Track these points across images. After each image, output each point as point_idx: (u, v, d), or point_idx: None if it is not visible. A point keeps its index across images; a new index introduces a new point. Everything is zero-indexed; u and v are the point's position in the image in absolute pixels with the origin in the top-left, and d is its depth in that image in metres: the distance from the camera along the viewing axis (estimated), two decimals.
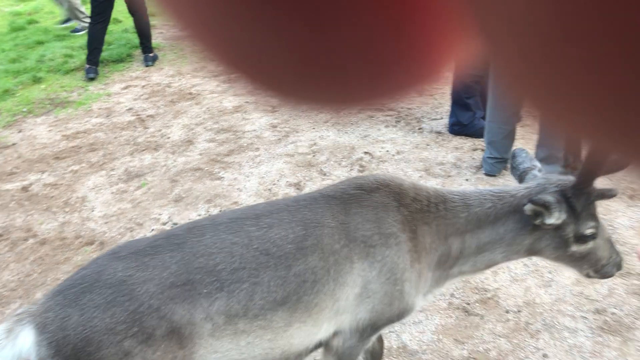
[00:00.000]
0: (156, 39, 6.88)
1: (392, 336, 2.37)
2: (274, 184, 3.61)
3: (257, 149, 4.14)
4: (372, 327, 1.61)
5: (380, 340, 2.00)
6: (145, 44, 6.17)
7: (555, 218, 1.50)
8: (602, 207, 3.07)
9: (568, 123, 0.16)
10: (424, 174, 3.60)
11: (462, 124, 4.04)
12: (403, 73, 0.19)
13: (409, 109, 4.61)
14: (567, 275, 2.62)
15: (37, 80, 5.81)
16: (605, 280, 2.57)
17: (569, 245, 1.57)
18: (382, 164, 3.80)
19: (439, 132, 4.20)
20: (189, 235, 1.52)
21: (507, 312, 2.45)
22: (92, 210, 3.54)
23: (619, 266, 1.65)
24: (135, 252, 1.47)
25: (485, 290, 2.58)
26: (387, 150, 3.97)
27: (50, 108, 5.25)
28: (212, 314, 1.42)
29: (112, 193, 3.73)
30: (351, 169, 3.75)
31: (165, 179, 3.83)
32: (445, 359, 2.24)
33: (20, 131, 4.83)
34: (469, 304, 2.50)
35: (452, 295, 2.54)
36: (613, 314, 2.40)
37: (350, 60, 0.19)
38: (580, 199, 1.50)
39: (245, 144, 4.23)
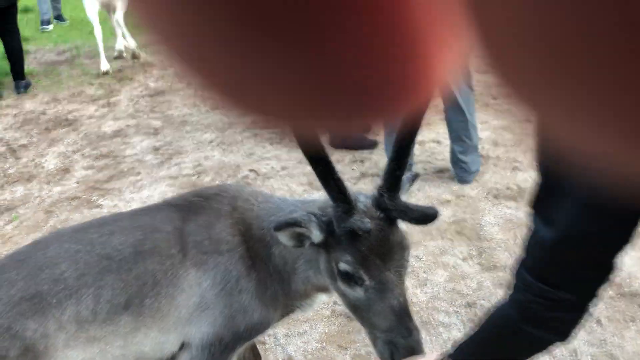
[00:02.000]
0: (30, 64, 6.52)
1: (278, 349, 2.39)
2: None
3: (139, 173, 4.03)
4: (219, 344, 1.55)
5: (257, 355, 1.99)
6: (17, 70, 5.82)
7: (313, 235, 1.32)
8: (470, 207, 3.30)
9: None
10: (307, 188, 3.68)
11: (343, 137, 4.16)
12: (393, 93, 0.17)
13: None
14: (440, 273, 2.78)
15: None
16: (475, 274, 2.76)
17: (335, 277, 1.36)
18: (267, 180, 3.83)
19: None
20: (33, 250, 1.52)
21: None
22: None
23: (394, 348, 1.32)
24: None
25: None
26: (272, 167, 4.01)
27: None
28: (64, 323, 1.41)
29: None
30: None
31: (39, 211, 3.62)
32: None
33: None
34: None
35: (334, 302, 2.61)
36: (482, 306, 2.57)
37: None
38: (342, 225, 1.28)
39: (125, 169, 4.10)
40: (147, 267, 1.49)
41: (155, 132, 4.70)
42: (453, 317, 2.52)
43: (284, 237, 1.33)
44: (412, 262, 2.87)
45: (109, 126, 4.88)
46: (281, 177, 3.85)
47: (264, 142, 4.41)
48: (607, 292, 2.61)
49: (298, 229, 1.31)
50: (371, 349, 2.33)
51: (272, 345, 2.41)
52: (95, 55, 6.77)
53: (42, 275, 1.43)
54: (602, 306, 2.53)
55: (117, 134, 4.72)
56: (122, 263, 1.48)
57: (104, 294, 1.45)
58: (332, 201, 1.27)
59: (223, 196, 1.60)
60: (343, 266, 1.30)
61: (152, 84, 5.85)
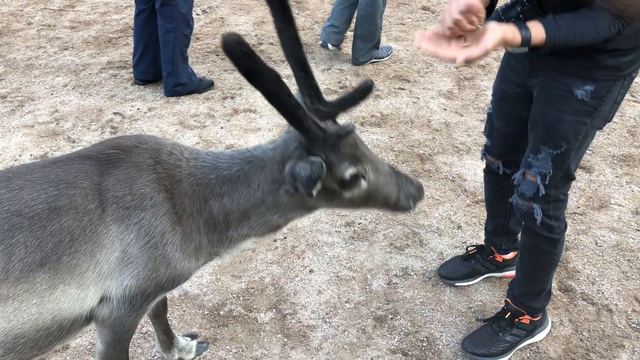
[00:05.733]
0: None
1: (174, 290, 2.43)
2: (16, 160, 3.27)
3: None
4: (142, 295, 1.57)
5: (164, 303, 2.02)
6: None
7: (314, 186, 1.40)
8: None
9: None
10: (179, 127, 3.62)
11: (182, 84, 4.02)
12: None
13: None
14: None
15: None
16: None
17: (339, 194, 1.50)
18: (134, 122, 3.70)
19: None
20: None
21: (275, 240, 2.68)
22: None
23: (415, 197, 1.61)
24: None
25: None
26: (138, 108, 3.86)
27: None
28: None
29: None
30: (102, 132, 3.58)
31: None
32: (226, 295, 2.39)
33: None
34: None
35: None
36: (360, 224, 2.79)
37: None
38: (324, 147, 1.42)
39: None
40: (63, 224, 1.44)
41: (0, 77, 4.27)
42: (335, 236, 2.72)
43: (315, 191, 1.39)
44: None
45: None
46: (149, 119, 3.74)
47: (125, 83, 4.21)
48: (464, 201, 2.97)
49: (321, 179, 1.39)
50: (263, 274, 2.47)
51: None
52: None
53: None
54: (461, 214, 2.88)
55: None
56: (35, 220, 1.41)
57: (16, 252, 1.39)
58: (306, 131, 1.37)
59: (143, 149, 1.54)
60: (349, 173, 1.45)
61: None
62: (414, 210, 1.69)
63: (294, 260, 2.57)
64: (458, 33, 1.50)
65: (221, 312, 2.31)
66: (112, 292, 1.56)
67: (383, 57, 4.55)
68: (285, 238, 2.70)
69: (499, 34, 1.46)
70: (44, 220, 1.42)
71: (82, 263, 1.48)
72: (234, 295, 2.39)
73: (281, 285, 2.44)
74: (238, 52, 1.10)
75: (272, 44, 4.83)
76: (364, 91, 1.46)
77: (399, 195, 1.59)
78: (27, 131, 3.57)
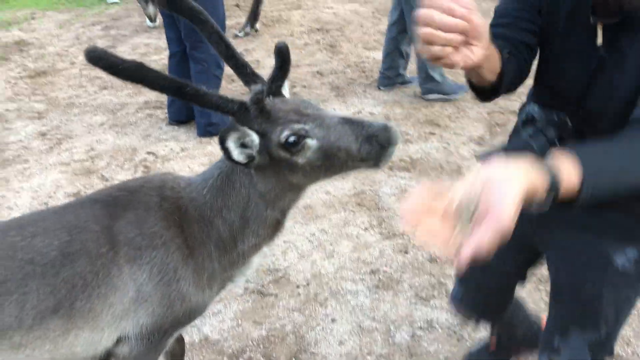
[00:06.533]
0: None
1: (194, 330, 2.42)
2: (50, 197, 3.36)
3: (26, 160, 3.79)
4: (159, 332, 1.58)
5: (180, 339, 2.02)
6: None
7: (252, 137, 1.38)
8: (368, 179, 3.47)
9: None
10: None
11: (214, 124, 4.06)
12: None
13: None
14: (345, 244, 2.93)
15: None
16: (377, 243, 2.93)
17: (294, 161, 1.42)
18: (167, 162, 3.77)
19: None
20: None
21: (298, 287, 2.66)
22: None
23: (381, 140, 1.37)
24: None
25: (277, 270, 2.75)
26: (171, 149, 3.94)
27: None
28: None
29: None
30: (135, 171, 3.66)
31: None
32: (246, 342, 2.36)
33: None
34: (263, 286, 2.66)
35: (247, 280, 2.67)
36: (385, 272, 2.75)
37: None
38: (251, 119, 1.39)
39: (10, 157, 3.84)
40: (76, 269, 1.45)
41: (40, 115, 4.43)
42: (359, 284, 2.68)
43: (232, 146, 1.36)
44: (319, 235, 3.00)
45: None
46: (181, 159, 3.80)
47: (159, 123, 4.31)
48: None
49: (236, 134, 1.36)
50: (285, 321, 2.44)
51: (187, 327, 2.44)
52: None
53: None
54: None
55: None
56: (48, 267, 1.43)
57: (29, 299, 1.40)
58: (212, 106, 1.37)
59: (148, 187, 1.57)
60: (283, 136, 1.36)
61: (30, 64, 5.46)
62: (388, 158, 1.41)
63: (317, 308, 2.54)
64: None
65: (241, 359, 2.29)
66: (129, 331, 1.56)
67: (449, 94, 4.55)
68: (308, 285, 2.67)
69: (518, 188, 0.87)
70: (57, 266, 1.44)
71: (95, 307, 1.48)
72: (254, 343, 2.37)
73: (302, 334, 2.40)
74: (95, 58, 1.20)
75: (304, 86, 4.89)
76: (279, 54, 1.41)
77: (359, 144, 1.38)
78: (63, 169, 3.68)
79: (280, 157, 1.41)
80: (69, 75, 5.20)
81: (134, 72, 1.24)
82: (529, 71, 1.41)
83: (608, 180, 0.99)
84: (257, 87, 1.37)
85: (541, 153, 1.21)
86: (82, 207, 1.56)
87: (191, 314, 1.62)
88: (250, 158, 1.40)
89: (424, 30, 0.96)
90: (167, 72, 4.36)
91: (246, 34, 6.06)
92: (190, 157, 3.83)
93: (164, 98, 4.69)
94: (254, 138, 1.38)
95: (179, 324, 1.62)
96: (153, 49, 5.87)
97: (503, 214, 0.84)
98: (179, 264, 1.54)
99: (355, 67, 5.21)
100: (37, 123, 4.32)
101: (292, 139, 1.37)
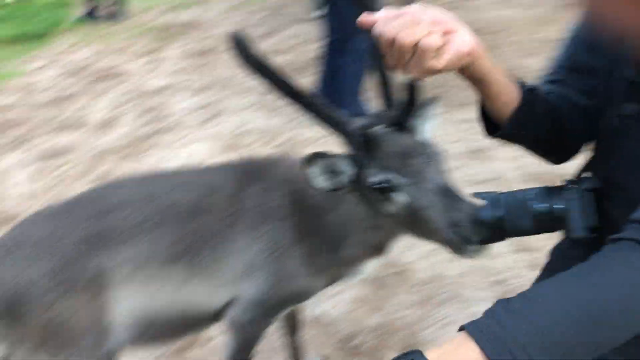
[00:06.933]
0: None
1: (307, 308, 2.48)
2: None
3: (182, 130, 4.13)
4: (265, 305, 1.64)
5: (295, 317, 2.06)
6: None
7: (343, 168, 1.32)
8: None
9: None
10: None
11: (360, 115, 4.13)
12: None
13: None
14: None
15: None
16: (508, 255, 2.79)
17: (380, 207, 1.34)
18: (307, 147, 3.89)
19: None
20: (104, 192, 1.66)
21: (417, 284, 2.62)
22: (9, 189, 3.43)
23: (463, 232, 1.19)
24: (53, 212, 1.59)
25: (398, 265, 2.74)
26: (313, 135, 4.06)
27: None
28: (121, 263, 1.52)
29: (30, 172, 3.63)
30: (277, 152, 3.83)
31: (85, 159, 3.76)
32: (360, 327, 2.38)
33: None
34: (382, 277, 2.65)
35: None
36: (511, 284, 2.61)
37: None
38: (356, 146, 1.32)
39: (169, 126, 4.21)
40: (203, 225, 1.57)
41: (199, 91, 4.80)
42: (481, 292, 2.57)
43: (315, 172, 1.33)
44: None
45: (154, 82, 4.99)
46: (320, 145, 3.91)
47: None
48: None
49: (324, 161, 1.32)
50: (400, 314, 2.42)
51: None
52: (143, 11, 6.88)
53: (108, 217, 1.54)
54: None
55: (162, 90, 4.82)
56: (181, 216, 1.57)
57: (161, 241, 1.55)
58: (334, 128, 1.30)
59: (280, 166, 1.66)
60: (373, 180, 1.28)
61: (197, 44, 5.93)
62: (475, 254, 1.21)
63: (433, 309, 2.48)
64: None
65: (351, 344, 2.31)
66: (238, 297, 1.65)
67: None
68: (428, 284, 2.62)
69: None
70: (188, 218, 1.57)
71: (213, 263, 1.59)
72: (368, 330, 2.38)
73: (414, 331, 2.36)
74: (235, 43, 1.21)
75: (453, 86, 4.78)
76: (408, 89, 1.28)
77: (441, 224, 1.23)
78: (213, 141, 3.95)
79: (371, 196, 1.36)
80: (230, 57, 5.56)
81: (258, 68, 1.24)
82: (574, 134, 1.23)
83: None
84: (372, 116, 1.34)
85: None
86: (219, 171, 1.69)
87: (296, 296, 1.66)
88: (338, 186, 1.36)
89: (399, 36, 0.93)
90: (320, 61, 4.52)
91: None
92: (330, 144, 3.92)
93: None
94: (346, 169, 1.34)
95: (284, 302, 1.67)
96: (311, 38, 6.08)
97: None
98: (291, 244, 1.59)
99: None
100: (196, 97, 4.68)
101: (381, 185, 1.30)
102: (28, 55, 5.64)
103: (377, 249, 1.60)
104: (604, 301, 0.76)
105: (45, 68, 5.34)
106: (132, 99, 4.67)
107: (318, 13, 6.54)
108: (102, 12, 6.69)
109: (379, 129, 1.34)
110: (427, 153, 1.31)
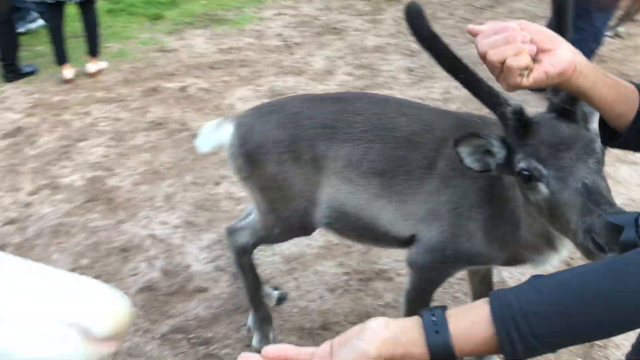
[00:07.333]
0: None
1: (494, 271, 2.56)
2: None
3: (391, 88, 4.33)
4: (441, 254, 1.72)
5: (488, 281, 2.14)
6: None
7: (496, 149, 1.34)
8: None
9: None
10: None
11: None
12: None
13: None
14: None
15: None
16: None
17: (525, 193, 1.37)
18: None
19: None
20: (349, 97, 1.96)
21: None
22: None
23: (597, 238, 1.16)
24: (309, 98, 1.98)
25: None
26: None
27: (208, 23, 5.74)
28: (337, 157, 1.80)
29: None
30: None
31: None
32: None
33: (181, 39, 5.36)
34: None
35: None
36: None
37: None
38: (510, 129, 1.31)
39: (380, 82, 4.44)
40: (408, 155, 1.73)
41: (412, 54, 4.94)
42: None
43: (465, 152, 1.38)
44: None
45: (371, 41, 5.24)
46: None
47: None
48: None
49: (477, 140, 1.36)
50: None
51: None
52: None
53: (344, 116, 1.81)
54: None
55: (377, 49, 5.06)
56: (395, 140, 1.75)
57: (371, 153, 1.76)
58: (489, 108, 1.31)
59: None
60: (519, 166, 1.29)
61: None
62: (602, 256, 1.16)
63: None
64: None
65: None
66: (420, 236, 1.77)
67: None
68: None
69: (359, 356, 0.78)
70: (399, 144, 1.74)
71: (405, 193, 1.75)
72: None
73: None
74: (409, 13, 1.25)
75: None
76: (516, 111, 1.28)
77: (576, 226, 1.21)
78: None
79: (518, 182, 1.37)
80: (445, 25, 5.61)
81: (427, 40, 1.27)
82: None
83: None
84: (518, 109, 1.29)
85: None
86: (442, 114, 1.84)
87: (471, 257, 1.72)
88: (487, 168, 1.38)
89: (489, 54, 0.95)
90: None
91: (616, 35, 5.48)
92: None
93: None
94: (499, 151, 1.35)
95: (459, 258, 1.74)
96: (529, 16, 5.86)
97: None
98: (476, 204, 1.64)
99: None
100: (408, 59, 4.84)
101: (526, 173, 1.30)
102: (263, 4, 6.25)
103: (549, 242, 1.56)
104: (620, 284, 0.77)
105: (275, 17, 5.89)
106: (350, 53, 4.98)
107: None
108: None
109: (541, 114, 1.32)
110: (583, 147, 1.26)
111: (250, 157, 1.88)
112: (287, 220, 1.96)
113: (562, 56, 0.96)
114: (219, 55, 4.97)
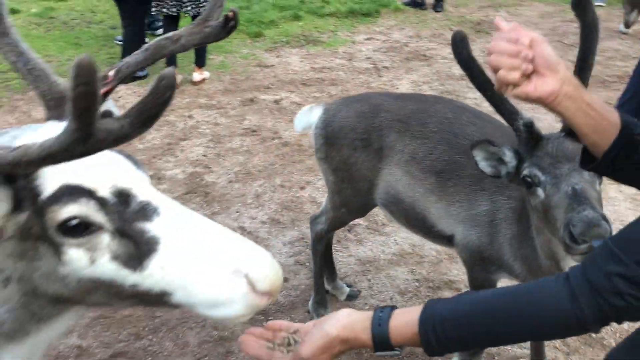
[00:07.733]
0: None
1: None
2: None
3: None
4: (479, 256, 1.88)
5: None
6: None
7: (507, 157, 1.53)
8: None
9: None
10: None
11: None
12: None
13: None
14: None
15: (296, 18, 6.72)
16: None
17: (526, 196, 1.57)
18: None
19: None
20: (431, 99, 2.20)
21: None
22: None
23: (577, 229, 1.33)
24: (394, 95, 2.25)
25: None
26: None
27: (304, 43, 6.11)
28: (404, 150, 2.00)
29: None
30: None
31: None
32: None
33: (278, 56, 5.74)
34: None
35: None
36: None
37: None
38: (522, 141, 1.51)
39: None
40: (465, 163, 1.89)
41: None
42: None
43: (479, 156, 1.58)
44: None
45: (458, 69, 5.30)
46: None
47: None
48: None
49: (491, 148, 1.56)
50: None
51: None
52: (460, 4, 7.34)
53: (418, 115, 2.02)
54: None
55: (464, 77, 5.08)
56: (457, 146, 1.91)
57: (435, 153, 1.95)
58: (508, 122, 1.52)
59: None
60: (523, 173, 1.50)
61: None
62: (573, 253, 1.33)
63: None
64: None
65: None
66: (458, 238, 1.96)
67: None
68: None
69: (324, 338, 1.08)
70: (460, 151, 1.90)
71: (452, 197, 1.92)
72: None
73: None
74: (455, 40, 1.50)
75: None
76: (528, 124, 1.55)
77: (560, 223, 1.39)
78: None
79: (522, 188, 1.56)
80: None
81: (464, 64, 1.54)
82: None
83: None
84: (529, 124, 1.50)
85: None
86: (503, 132, 1.86)
87: (500, 266, 1.87)
88: (498, 173, 1.58)
89: (491, 57, 1.03)
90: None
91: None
92: None
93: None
94: (510, 160, 1.54)
95: (490, 264, 1.90)
96: (621, 56, 5.84)
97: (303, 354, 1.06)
98: (506, 221, 1.80)
99: None
100: None
101: (528, 179, 1.49)
102: (356, 28, 6.56)
103: (557, 264, 1.65)
104: (508, 304, 1.04)
105: (367, 42, 6.17)
106: (436, 79, 5.17)
107: (626, 30, 6.20)
108: (427, 0, 7.31)
109: (553, 133, 1.52)
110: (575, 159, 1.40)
111: (329, 139, 2.14)
112: (351, 200, 2.22)
113: (548, 85, 1.02)
114: (312, 73, 5.30)
